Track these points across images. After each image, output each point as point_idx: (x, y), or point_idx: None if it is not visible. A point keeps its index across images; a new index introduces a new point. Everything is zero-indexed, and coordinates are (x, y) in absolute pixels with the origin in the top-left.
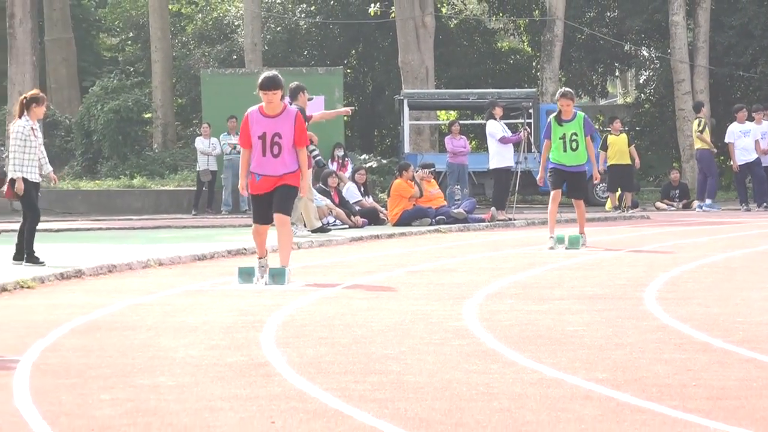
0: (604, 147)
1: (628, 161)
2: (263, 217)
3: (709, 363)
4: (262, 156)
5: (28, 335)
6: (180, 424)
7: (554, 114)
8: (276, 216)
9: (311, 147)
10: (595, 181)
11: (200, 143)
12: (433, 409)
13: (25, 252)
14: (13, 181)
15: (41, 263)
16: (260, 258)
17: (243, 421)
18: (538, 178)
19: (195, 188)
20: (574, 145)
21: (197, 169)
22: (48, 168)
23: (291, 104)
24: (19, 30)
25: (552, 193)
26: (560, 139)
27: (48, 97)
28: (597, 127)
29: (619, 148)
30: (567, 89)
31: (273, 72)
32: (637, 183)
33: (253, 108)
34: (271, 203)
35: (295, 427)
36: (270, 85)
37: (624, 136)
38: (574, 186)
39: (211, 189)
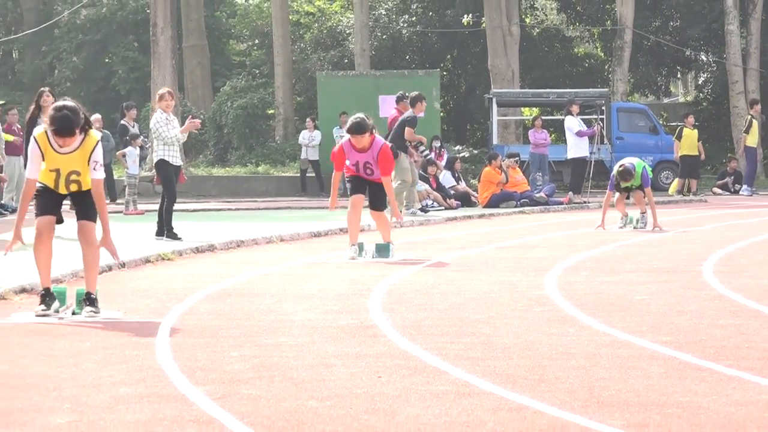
0: (679, 137)
1: (697, 153)
2: (360, 190)
3: (760, 328)
4: (356, 172)
5: (168, 300)
6: (299, 377)
7: (617, 174)
8: (371, 212)
9: (422, 148)
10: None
11: (302, 136)
12: (519, 367)
13: (165, 229)
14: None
15: (179, 239)
16: (352, 245)
17: (353, 376)
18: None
19: (310, 175)
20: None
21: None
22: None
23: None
24: (161, 38)
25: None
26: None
27: (185, 96)
28: (661, 122)
29: (691, 141)
30: (625, 170)
31: (360, 117)
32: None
33: (346, 140)
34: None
35: (398, 381)
36: (357, 130)
37: (696, 131)
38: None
39: (318, 175)
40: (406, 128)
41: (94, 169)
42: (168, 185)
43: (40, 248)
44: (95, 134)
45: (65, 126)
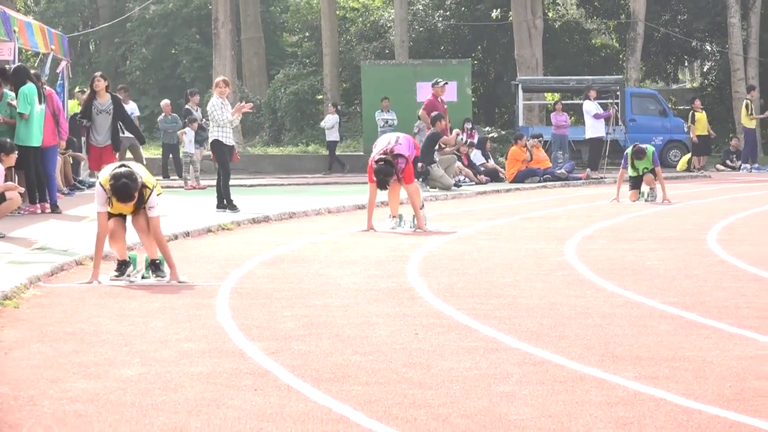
0: (693, 120)
1: (707, 133)
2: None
3: (759, 290)
4: None
5: (227, 266)
6: (344, 335)
7: (632, 153)
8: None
9: (459, 138)
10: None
11: (326, 120)
12: (541, 324)
13: (225, 202)
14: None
15: (238, 210)
16: (393, 217)
17: (393, 333)
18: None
19: (357, 154)
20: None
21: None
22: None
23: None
24: (221, 31)
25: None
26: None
27: (243, 83)
28: (670, 106)
29: (703, 123)
30: (639, 149)
31: (383, 170)
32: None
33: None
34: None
35: (433, 338)
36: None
37: (704, 113)
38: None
39: (332, 153)
40: (443, 137)
41: (150, 210)
42: (223, 163)
43: (115, 246)
44: (148, 183)
45: (125, 195)
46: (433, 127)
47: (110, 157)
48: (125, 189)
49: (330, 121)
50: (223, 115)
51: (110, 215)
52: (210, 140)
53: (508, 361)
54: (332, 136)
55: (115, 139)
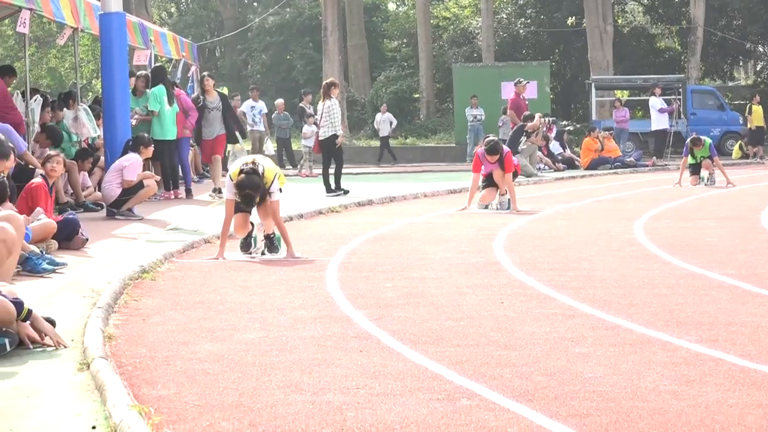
0: (750, 112)
1: (763, 124)
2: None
3: None
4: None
5: (336, 243)
6: (438, 303)
7: (691, 142)
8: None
9: (546, 119)
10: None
11: (378, 118)
12: (613, 294)
13: (335, 187)
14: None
15: (347, 193)
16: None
17: (481, 302)
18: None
19: (450, 145)
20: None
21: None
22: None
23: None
24: (330, 38)
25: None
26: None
27: (350, 84)
28: (726, 101)
29: (758, 115)
30: (696, 138)
31: (494, 139)
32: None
33: (481, 149)
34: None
35: (517, 306)
36: (492, 152)
37: (760, 107)
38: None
39: (384, 146)
40: (528, 123)
41: (270, 195)
42: (338, 156)
43: (240, 234)
44: (270, 174)
45: (248, 203)
46: (524, 121)
47: (220, 148)
48: (248, 199)
49: (380, 119)
50: (339, 114)
51: (237, 207)
52: (327, 136)
53: (584, 326)
54: (384, 132)
55: (229, 131)
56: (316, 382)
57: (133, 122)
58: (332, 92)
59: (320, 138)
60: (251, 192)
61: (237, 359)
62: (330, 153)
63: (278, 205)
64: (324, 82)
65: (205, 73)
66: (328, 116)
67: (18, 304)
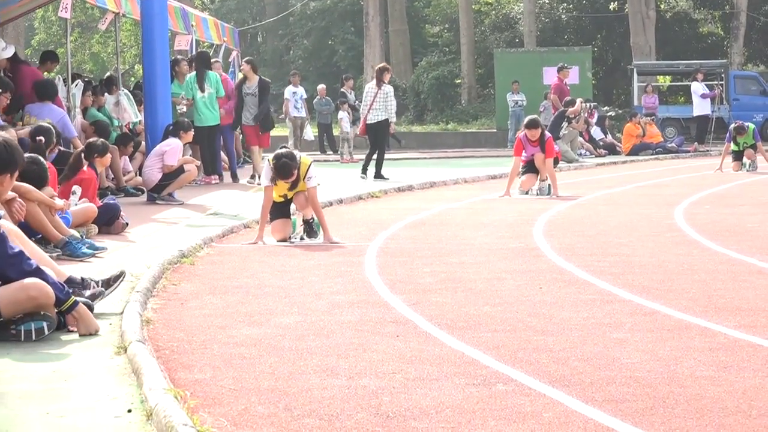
0: None
1: None
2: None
3: None
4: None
5: (375, 228)
6: (476, 288)
7: (734, 129)
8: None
9: (587, 105)
10: None
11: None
12: (652, 280)
13: (375, 171)
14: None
15: (386, 179)
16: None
17: (519, 287)
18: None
19: (491, 131)
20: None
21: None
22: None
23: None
24: (372, 24)
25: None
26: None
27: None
28: None
29: None
30: (740, 126)
31: (535, 117)
32: None
33: (522, 134)
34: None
35: (555, 291)
36: (532, 125)
37: None
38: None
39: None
40: (570, 109)
41: (309, 180)
42: (382, 141)
43: (278, 237)
44: (305, 160)
45: (286, 172)
46: (566, 107)
47: (264, 139)
48: (285, 167)
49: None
50: (394, 100)
51: (278, 211)
52: (379, 120)
53: (622, 311)
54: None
55: (264, 120)
56: (352, 366)
57: (184, 109)
58: (384, 77)
59: (369, 122)
60: (287, 160)
61: (274, 343)
62: (377, 138)
63: (316, 190)
64: (377, 67)
65: (244, 59)
66: (384, 101)
67: (65, 293)
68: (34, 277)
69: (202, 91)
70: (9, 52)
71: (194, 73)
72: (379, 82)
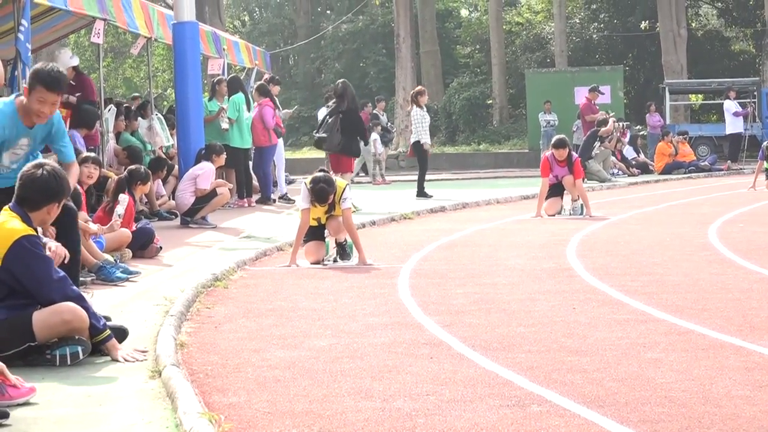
0: None
1: None
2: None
3: None
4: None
5: (408, 250)
6: (510, 309)
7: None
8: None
9: (619, 125)
10: None
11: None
12: (686, 299)
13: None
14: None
15: (430, 197)
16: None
17: (553, 307)
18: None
19: (523, 151)
20: None
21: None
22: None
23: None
24: (403, 46)
25: None
26: None
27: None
28: None
29: None
30: None
31: (563, 137)
32: None
33: (549, 153)
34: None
35: (589, 311)
36: (560, 145)
37: None
38: None
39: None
40: (602, 128)
41: (343, 202)
42: (423, 161)
43: (311, 260)
44: (341, 183)
45: (323, 197)
46: (597, 126)
47: (350, 163)
48: (323, 193)
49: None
50: (424, 122)
51: (312, 233)
52: (413, 141)
53: (656, 331)
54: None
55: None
56: (386, 388)
57: (225, 126)
58: (419, 100)
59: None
60: (325, 185)
61: (308, 366)
62: (417, 158)
63: (350, 212)
64: (413, 91)
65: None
66: (417, 123)
67: (103, 324)
68: (76, 302)
69: (249, 110)
70: (75, 61)
71: (240, 94)
72: (415, 105)
